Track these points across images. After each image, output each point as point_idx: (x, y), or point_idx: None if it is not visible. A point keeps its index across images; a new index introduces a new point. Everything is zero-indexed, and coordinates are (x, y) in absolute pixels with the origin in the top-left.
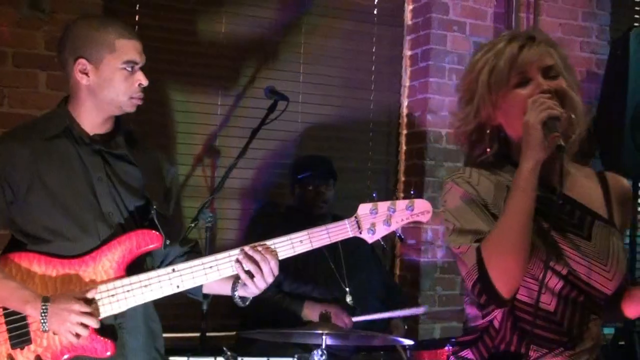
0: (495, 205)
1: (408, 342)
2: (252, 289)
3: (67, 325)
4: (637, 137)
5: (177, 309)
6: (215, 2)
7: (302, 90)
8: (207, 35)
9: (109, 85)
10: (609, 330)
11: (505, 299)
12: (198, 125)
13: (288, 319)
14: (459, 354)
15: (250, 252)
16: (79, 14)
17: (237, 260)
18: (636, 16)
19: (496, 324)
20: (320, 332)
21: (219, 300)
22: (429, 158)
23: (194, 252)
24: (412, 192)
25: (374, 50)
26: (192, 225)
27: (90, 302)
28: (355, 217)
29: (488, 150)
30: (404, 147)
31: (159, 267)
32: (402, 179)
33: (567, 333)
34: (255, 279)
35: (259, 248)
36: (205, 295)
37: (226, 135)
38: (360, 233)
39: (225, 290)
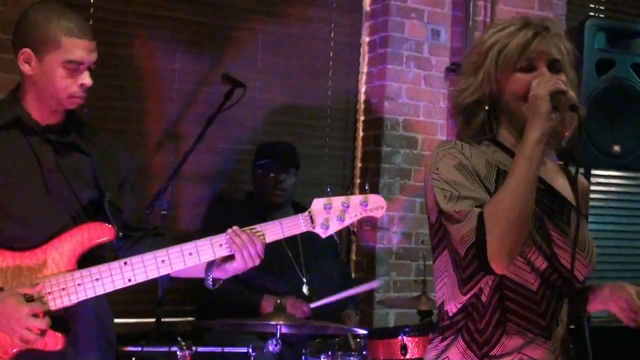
0: (488, 180)
1: (362, 331)
2: (237, 269)
3: (15, 329)
4: (589, 127)
5: (131, 294)
6: None
7: (259, 76)
8: (164, 20)
9: (49, 80)
10: None
11: (500, 267)
12: (155, 110)
13: (244, 309)
14: (439, 346)
15: (240, 234)
16: None
17: (229, 238)
18: (591, 5)
19: (484, 299)
20: (274, 323)
21: (174, 286)
22: (386, 145)
23: (157, 234)
24: (366, 188)
25: (332, 36)
26: (148, 212)
27: (40, 296)
28: (309, 212)
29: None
30: (361, 134)
31: (119, 249)
32: (359, 165)
33: (543, 314)
34: (244, 259)
35: (247, 231)
36: (172, 279)
37: (183, 120)
38: (314, 228)
39: (195, 273)
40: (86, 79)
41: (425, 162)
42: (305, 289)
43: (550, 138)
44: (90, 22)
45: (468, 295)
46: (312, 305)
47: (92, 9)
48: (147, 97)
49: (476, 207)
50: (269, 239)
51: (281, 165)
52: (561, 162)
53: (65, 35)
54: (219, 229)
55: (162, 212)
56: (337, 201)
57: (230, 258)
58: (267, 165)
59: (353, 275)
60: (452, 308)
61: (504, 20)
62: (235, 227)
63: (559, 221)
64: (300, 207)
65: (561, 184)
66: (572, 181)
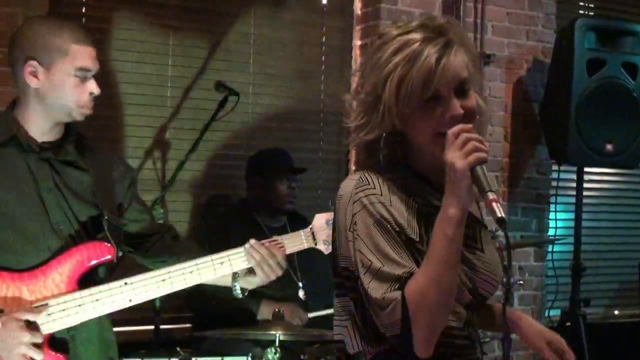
0: (410, 227)
1: None
2: (261, 281)
3: (13, 353)
4: (582, 126)
5: None
6: None
7: (252, 81)
8: (155, 27)
9: (59, 90)
10: (555, 312)
11: (427, 353)
12: (147, 118)
13: (242, 316)
14: None
15: (259, 248)
16: (23, 7)
17: (248, 252)
18: (581, 3)
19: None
20: (273, 332)
21: (171, 294)
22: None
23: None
24: None
25: (323, 40)
26: None
27: (42, 322)
28: (311, 228)
29: (381, 156)
30: None
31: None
32: (353, 169)
33: (470, 339)
34: (265, 272)
35: (266, 244)
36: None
37: (177, 127)
38: (316, 245)
39: (224, 282)
40: (94, 87)
41: (339, 193)
42: (301, 294)
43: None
44: None
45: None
46: (310, 314)
47: (83, 19)
48: (139, 104)
49: (398, 286)
50: None
51: (296, 173)
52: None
53: (74, 43)
54: (213, 237)
55: (158, 222)
56: None
57: (252, 271)
58: (283, 173)
59: None
60: (353, 350)
61: (402, 28)
62: (253, 241)
63: (474, 247)
64: (294, 213)
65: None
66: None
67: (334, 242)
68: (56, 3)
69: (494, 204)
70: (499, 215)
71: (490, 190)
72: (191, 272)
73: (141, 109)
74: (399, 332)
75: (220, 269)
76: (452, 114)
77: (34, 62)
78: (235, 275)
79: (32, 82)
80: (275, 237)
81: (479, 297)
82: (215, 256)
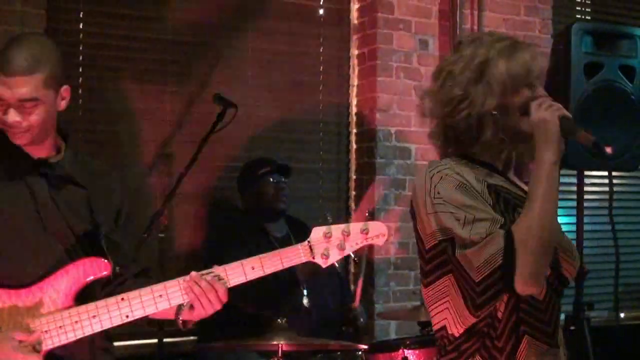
0: (484, 197)
1: (362, 346)
2: (199, 315)
3: None
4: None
5: None
6: (160, 9)
7: (250, 93)
8: (153, 42)
9: None
10: None
11: (532, 289)
12: (148, 131)
13: (246, 324)
14: None
15: (198, 281)
16: (21, 25)
17: (186, 286)
18: (578, 8)
19: (500, 315)
20: (276, 342)
21: None
22: (379, 156)
23: (143, 276)
24: (366, 214)
25: (321, 50)
26: (145, 235)
27: (37, 335)
28: (309, 241)
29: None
30: (354, 146)
31: (105, 287)
32: (354, 177)
33: (549, 322)
34: (203, 304)
35: (208, 277)
36: (150, 321)
37: (177, 140)
38: (314, 258)
39: (167, 314)
40: (9, 115)
41: (413, 185)
42: (305, 301)
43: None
44: (80, 47)
45: (475, 319)
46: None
47: (81, 35)
48: (139, 118)
49: (495, 227)
50: (269, 270)
51: (280, 173)
52: None
53: None
54: (217, 248)
55: (160, 235)
56: (337, 230)
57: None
58: (268, 174)
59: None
60: (457, 330)
61: (485, 35)
62: (193, 274)
63: None
64: (294, 220)
65: None
66: None
67: (417, 237)
68: (54, 20)
69: (584, 135)
70: (593, 139)
71: (582, 130)
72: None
73: (141, 123)
74: (502, 262)
75: (160, 302)
76: (539, 95)
77: None
78: (179, 307)
79: None
80: (217, 268)
81: (558, 274)
82: (155, 287)
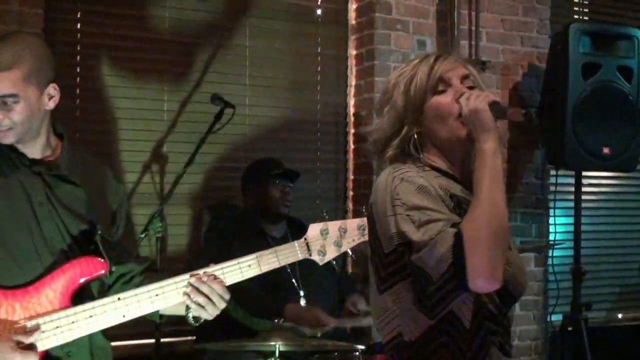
0: (446, 201)
1: (360, 347)
2: (205, 316)
3: None
4: (578, 130)
5: None
6: (157, 7)
7: (248, 93)
8: (150, 41)
9: None
10: (556, 317)
11: (491, 283)
12: (144, 131)
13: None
14: None
15: (196, 284)
16: (19, 24)
17: (185, 293)
18: (575, 8)
19: (468, 325)
20: (273, 343)
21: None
22: None
23: (151, 270)
24: (363, 210)
25: (318, 50)
26: (142, 235)
27: (34, 335)
28: (305, 238)
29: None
30: (352, 146)
31: (113, 285)
32: (351, 177)
33: (507, 331)
34: (206, 308)
35: (204, 278)
36: (162, 316)
37: (174, 140)
38: (310, 255)
39: (179, 311)
40: None
41: (374, 188)
42: (302, 302)
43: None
44: (77, 47)
45: (435, 320)
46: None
47: (79, 34)
48: (136, 118)
49: (447, 225)
50: (265, 268)
51: (289, 177)
52: None
53: None
54: (216, 248)
55: (157, 236)
56: (334, 226)
57: None
58: (277, 176)
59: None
60: (414, 335)
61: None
62: (192, 280)
63: None
64: (294, 221)
65: None
66: None
67: (375, 241)
68: (52, 19)
69: (513, 110)
70: (523, 111)
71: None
72: (185, 286)
73: (138, 123)
74: (452, 260)
75: (156, 301)
76: (460, 92)
77: None
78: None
79: None
80: (213, 267)
81: (507, 292)
82: (151, 286)
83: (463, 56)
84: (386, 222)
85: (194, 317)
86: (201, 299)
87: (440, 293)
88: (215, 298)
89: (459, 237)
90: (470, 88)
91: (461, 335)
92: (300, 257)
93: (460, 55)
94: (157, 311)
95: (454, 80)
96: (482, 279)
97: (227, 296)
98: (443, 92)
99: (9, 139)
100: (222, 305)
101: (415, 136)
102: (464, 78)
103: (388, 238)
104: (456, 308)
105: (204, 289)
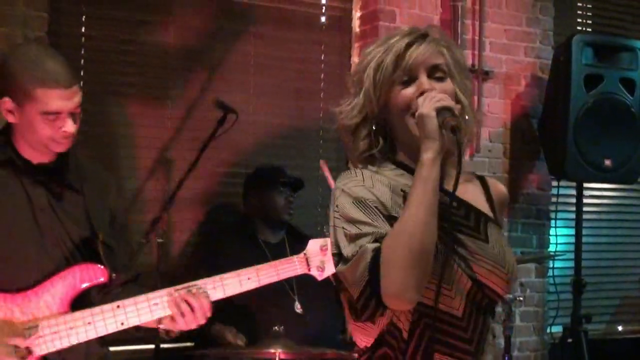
0: (394, 209)
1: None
2: (181, 327)
3: None
4: (580, 142)
5: None
6: (162, 13)
7: (251, 99)
8: (154, 46)
9: (31, 129)
10: (556, 329)
11: (403, 304)
12: (147, 137)
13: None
14: None
15: (185, 296)
16: (23, 27)
17: (172, 300)
18: (579, 20)
19: (405, 335)
20: (273, 351)
21: None
22: None
23: (132, 283)
24: None
25: (322, 57)
26: (144, 241)
27: (32, 340)
28: (305, 254)
29: (371, 147)
30: None
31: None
32: None
33: (470, 340)
34: (185, 319)
35: (194, 291)
36: (138, 328)
37: (176, 146)
38: (309, 270)
39: (148, 323)
40: (67, 126)
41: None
42: (297, 307)
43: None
44: (82, 51)
45: (375, 329)
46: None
47: (83, 38)
48: (139, 123)
49: (370, 240)
50: (264, 281)
51: (295, 186)
52: (473, 172)
53: (40, 87)
54: (212, 255)
55: (159, 241)
56: None
57: None
58: (283, 184)
59: None
60: (366, 342)
61: (388, 34)
62: (182, 293)
63: (475, 236)
64: (292, 228)
65: (472, 195)
66: (486, 189)
67: (330, 236)
68: (56, 23)
69: (450, 120)
70: (454, 124)
71: (450, 117)
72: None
73: (141, 128)
74: (368, 278)
75: (155, 310)
76: (421, 89)
77: (8, 100)
78: (160, 317)
79: (9, 118)
80: (214, 278)
81: (485, 289)
82: (150, 295)
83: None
84: (330, 231)
85: (165, 331)
86: (185, 308)
87: (367, 311)
88: (199, 312)
89: (377, 254)
90: (439, 79)
91: (400, 346)
92: (299, 271)
93: (437, 32)
94: None
95: (421, 73)
96: (392, 300)
97: (209, 312)
98: (407, 84)
99: (66, 147)
100: (202, 321)
101: (375, 128)
102: (433, 69)
103: (335, 245)
104: (395, 317)
105: (192, 300)
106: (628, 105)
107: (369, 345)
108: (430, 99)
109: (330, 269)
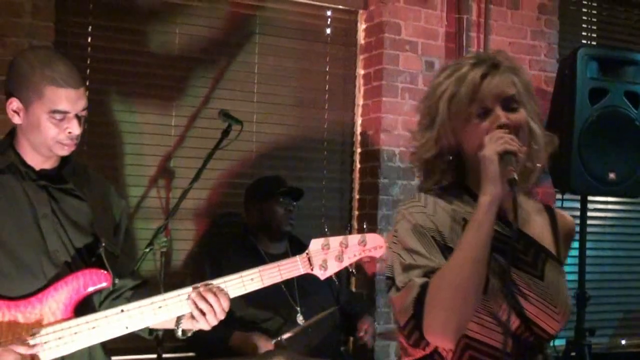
0: (452, 239)
1: None
2: (202, 326)
3: None
4: (584, 155)
5: None
6: (168, 23)
7: (256, 110)
8: (160, 57)
9: (36, 129)
10: (560, 342)
11: (442, 343)
12: (152, 146)
13: (214, 345)
14: None
15: (203, 292)
16: (30, 37)
17: (191, 299)
18: (584, 33)
19: None
20: None
21: None
22: (383, 176)
23: (143, 287)
24: (364, 227)
25: (327, 69)
26: (147, 250)
27: (37, 346)
28: (307, 253)
29: (442, 181)
30: (358, 166)
31: (105, 300)
32: (357, 197)
33: None
34: (207, 317)
35: (214, 289)
36: (151, 332)
37: (181, 156)
38: (312, 270)
39: (168, 324)
40: (73, 127)
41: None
42: (299, 319)
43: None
44: (87, 61)
45: (420, 350)
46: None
47: (89, 48)
48: (144, 132)
49: (423, 276)
50: (267, 282)
51: (294, 196)
52: (543, 203)
53: (49, 85)
54: (214, 265)
55: (162, 250)
56: (335, 241)
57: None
58: (282, 194)
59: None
60: (409, 358)
61: (455, 61)
62: (201, 289)
63: (531, 273)
64: (296, 240)
65: (538, 228)
66: (554, 222)
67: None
68: (62, 33)
69: (510, 172)
70: (512, 177)
71: (512, 167)
72: (187, 298)
73: (146, 137)
74: (412, 312)
75: (159, 314)
76: (497, 123)
77: (16, 100)
78: (179, 317)
79: (14, 119)
80: (216, 280)
81: (534, 327)
82: (154, 299)
83: None
84: (389, 253)
85: (183, 330)
86: (205, 306)
87: (412, 339)
88: (218, 308)
89: (423, 290)
90: (513, 110)
91: None
92: (302, 271)
93: (506, 59)
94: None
95: (496, 105)
96: (433, 337)
97: (227, 308)
98: (483, 117)
99: (70, 150)
100: (222, 316)
101: (450, 158)
102: (508, 101)
103: (388, 266)
104: (439, 347)
105: (210, 297)
106: (633, 119)
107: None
108: (495, 140)
109: (332, 268)
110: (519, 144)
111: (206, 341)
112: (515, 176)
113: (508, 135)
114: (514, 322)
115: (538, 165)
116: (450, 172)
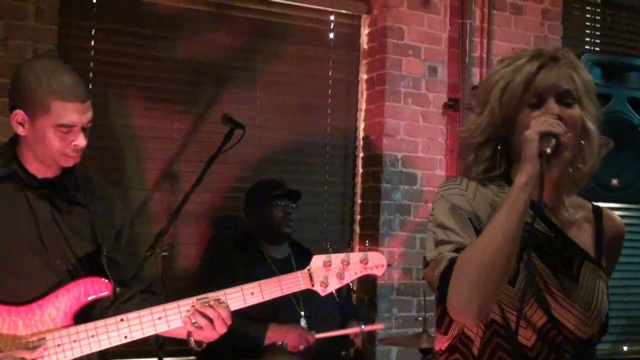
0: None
1: None
2: (207, 338)
3: None
4: None
5: None
6: (171, 28)
7: (259, 114)
8: (163, 61)
9: (41, 142)
10: None
11: (463, 318)
12: (154, 150)
13: (248, 344)
14: None
15: (201, 309)
16: (33, 40)
17: (188, 317)
18: (587, 39)
19: (475, 350)
20: None
21: None
22: (385, 181)
23: (148, 291)
24: (366, 244)
25: (330, 74)
26: (148, 254)
27: (37, 352)
28: (308, 269)
29: (489, 170)
30: (360, 170)
31: (110, 306)
32: (359, 201)
33: None
34: (205, 331)
35: (211, 303)
36: (157, 338)
37: (183, 159)
38: (313, 286)
39: (180, 334)
40: (79, 140)
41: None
42: (303, 323)
43: (564, 176)
44: (91, 64)
45: (448, 336)
46: (317, 335)
47: (92, 52)
48: (147, 136)
49: (454, 251)
50: (268, 296)
51: (291, 198)
52: (592, 203)
53: (55, 99)
54: (215, 270)
55: (163, 254)
56: (337, 258)
57: None
58: (279, 197)
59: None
60: (439, 346)
61: (515, 53)
62: (197, 305)
63: (565, 275)
64: (297, 244)
65: (580, 229)
66: (599, 223)
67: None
68: (65, 36)
69: (544, 147)
70: (543, 150)
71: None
72: (188, 310)
73: (149, 141)
74: (438, 284)
75: (159, 324)
76: (549, 113)
77: (21, 112)
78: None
79: (19, 130)
80: (216, 293)
81: (561, 327)
82: (154, 309)
83: (474, 83)
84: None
85: (196, 342)
86: (202, 321)
87: (437, 312)
88: (218, 322)
89: (451, 264)
90: (568, 105)
91: (470, 357)
92: (303, 287)
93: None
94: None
95: (550, 97)
96: (455, 312)
97: (229, 320)
98: (535, 107)
99: (75, 161)
100: (223, 330)
101: (499, 147)
102: (563, 95)
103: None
104: (467, 329)
105: (209, 312)
106: (636, 125)
107: (443, 348)
108: (540, 122)
109: (333, 285)
110: (565, 129)
111: (242, 337)
112: (549, 151)
113: (555, 120)
114: (540, 319)
115: (584, 164)
116: (500, 163)
